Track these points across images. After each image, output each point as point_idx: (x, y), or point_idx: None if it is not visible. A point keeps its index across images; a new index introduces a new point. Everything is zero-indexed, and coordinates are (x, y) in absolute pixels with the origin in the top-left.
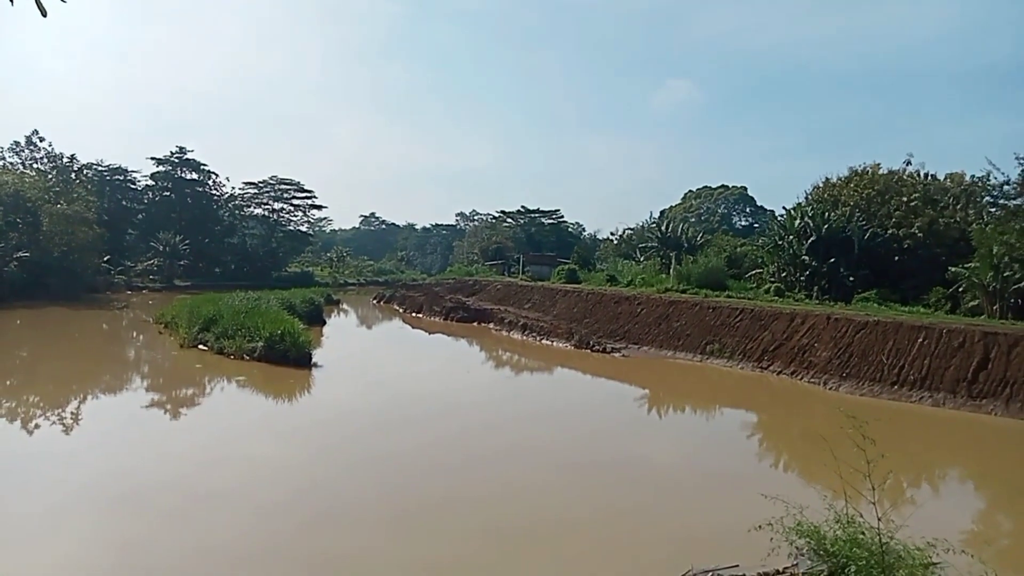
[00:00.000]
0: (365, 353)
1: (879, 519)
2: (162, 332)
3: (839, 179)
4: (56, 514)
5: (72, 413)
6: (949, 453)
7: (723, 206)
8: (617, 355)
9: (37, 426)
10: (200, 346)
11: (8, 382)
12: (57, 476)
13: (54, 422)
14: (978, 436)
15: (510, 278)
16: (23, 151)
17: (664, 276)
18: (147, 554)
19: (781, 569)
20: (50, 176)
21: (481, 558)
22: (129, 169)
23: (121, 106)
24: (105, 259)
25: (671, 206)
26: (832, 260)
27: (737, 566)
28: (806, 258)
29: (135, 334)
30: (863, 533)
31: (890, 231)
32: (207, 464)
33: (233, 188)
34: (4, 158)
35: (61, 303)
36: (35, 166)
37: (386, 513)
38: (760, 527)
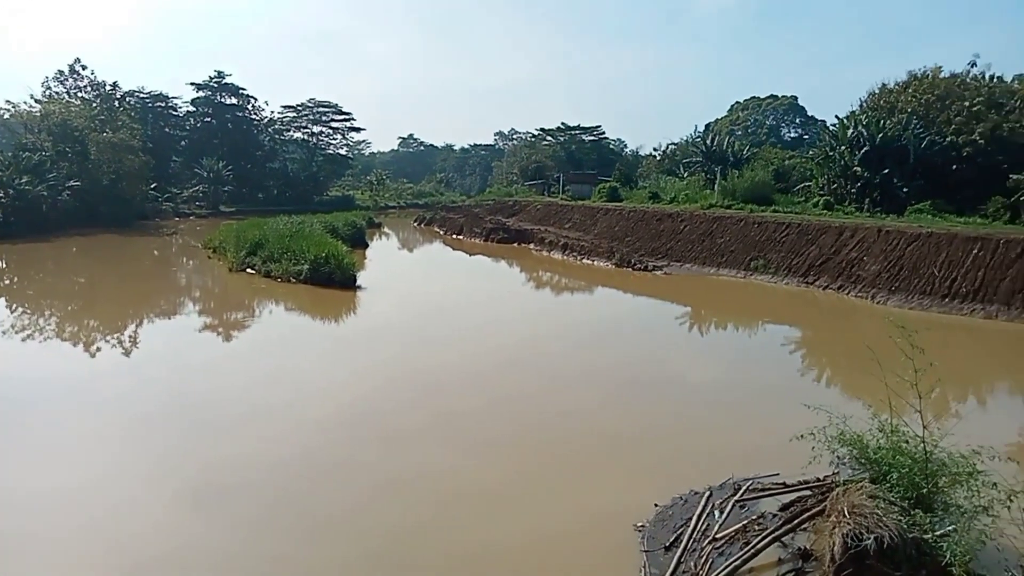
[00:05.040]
0: (408, 275)
1: (924, 427)
2: (211, 257)
3: (896, 85)
4: (130, 434)
5: (131, 337)
6: (1000, 366)
7: (771, 117)
8: (659, 273)
9: (99, 349)
10: (248, 270)
11: (69, 307)
12: (123, 400)
13: (114, 345)
14: None
15: (550, 198)
16: (67, 80)
17: (708, 192)
18: (220, 470)
19: (822, 477)
20: (95, 104)
21: (522, 470)
22: (170, 96)
23: (155, 31)
24: (152, 186)
25: (717, 119)
26: (885, 171)
27: (777, 474)
28: (858, 169)
29: (186, 259)
30: (907, 442)
31: (949, 139)
32: (267, 386)
33: (272, 112)
34: (50, 87)
35: (113, 230)
36: (79, 95)
37: (432, 432)
38: (802, 436)
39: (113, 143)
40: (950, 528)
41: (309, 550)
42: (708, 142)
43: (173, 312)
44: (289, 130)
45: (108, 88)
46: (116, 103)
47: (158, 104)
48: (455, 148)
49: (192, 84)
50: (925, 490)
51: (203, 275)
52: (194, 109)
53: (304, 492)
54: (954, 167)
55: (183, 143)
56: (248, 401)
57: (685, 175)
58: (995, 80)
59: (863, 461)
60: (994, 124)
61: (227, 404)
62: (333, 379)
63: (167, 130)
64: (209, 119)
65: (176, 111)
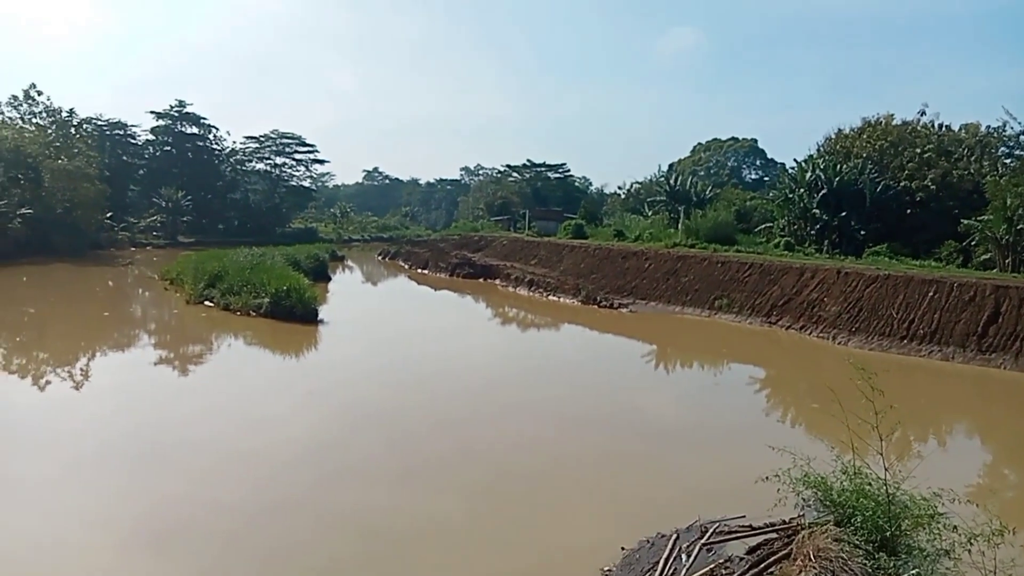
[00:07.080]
0: (371, 309)
1: (886, 470)
2: (168, 288)
3: (851, 130)
4: (77, 472)
5: (82, 370)
6: (957, 406)
7: (733, 159)
8: (624, 311)
9: (48, 383)
10: (206, 302)
11: (17, 338)
12: (73, 435)
13: (65, 379)
14: (986, 390)
15: (516, 234)
16: (21, 105)
17: (672, 231)
18: (170, 510)
19: (788, 520)
20: (50, 131)
21: (485, 510)
22: (129, 124)
23: (119, 59)
24: (108, 215)
25: (679, 159)
26: (843, 213)
27: (743, 517)
28: (817, 211)
29: (141, 291)
30: (869, 484)
31: (902, 183)
32: (222, 423)
33: (234, 142)
34: (3, 113)
35: (66, 260)
36: (34, 121)
37: (394, 469)
38: (767, 478)
39: (68, 170)
40: (913, 572)
41: None
42: (672, 182)
43: (128, 345)
44: (251, 161)
45: (64, 115)
46: (72, 130)
47: (116, 132)
48: (420, 182)
49: (152, 113)
50: (888, 533)
51: (159, 307)
52: (153, 138)
53: (279, 537)
54: (908, 211)
55: (141, 172)
56: (212, 442)
57: (649, 214)
58: (943, 129)
59: (828, 503)
60: (944, 171)
61: (189, 446)
62: (293, 420)
63: (125, 158)
64: (169, 148)
65: (135, 139)
